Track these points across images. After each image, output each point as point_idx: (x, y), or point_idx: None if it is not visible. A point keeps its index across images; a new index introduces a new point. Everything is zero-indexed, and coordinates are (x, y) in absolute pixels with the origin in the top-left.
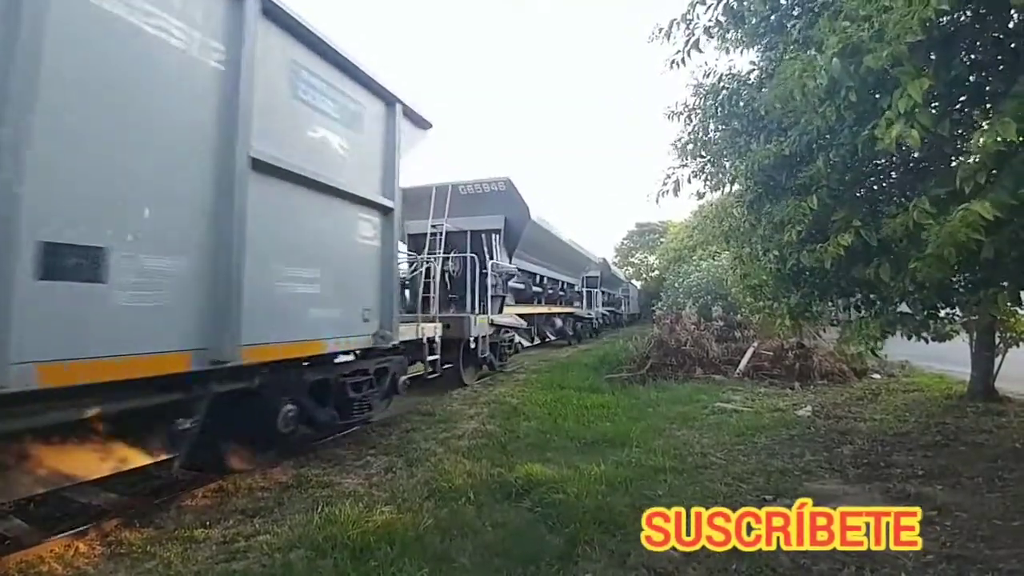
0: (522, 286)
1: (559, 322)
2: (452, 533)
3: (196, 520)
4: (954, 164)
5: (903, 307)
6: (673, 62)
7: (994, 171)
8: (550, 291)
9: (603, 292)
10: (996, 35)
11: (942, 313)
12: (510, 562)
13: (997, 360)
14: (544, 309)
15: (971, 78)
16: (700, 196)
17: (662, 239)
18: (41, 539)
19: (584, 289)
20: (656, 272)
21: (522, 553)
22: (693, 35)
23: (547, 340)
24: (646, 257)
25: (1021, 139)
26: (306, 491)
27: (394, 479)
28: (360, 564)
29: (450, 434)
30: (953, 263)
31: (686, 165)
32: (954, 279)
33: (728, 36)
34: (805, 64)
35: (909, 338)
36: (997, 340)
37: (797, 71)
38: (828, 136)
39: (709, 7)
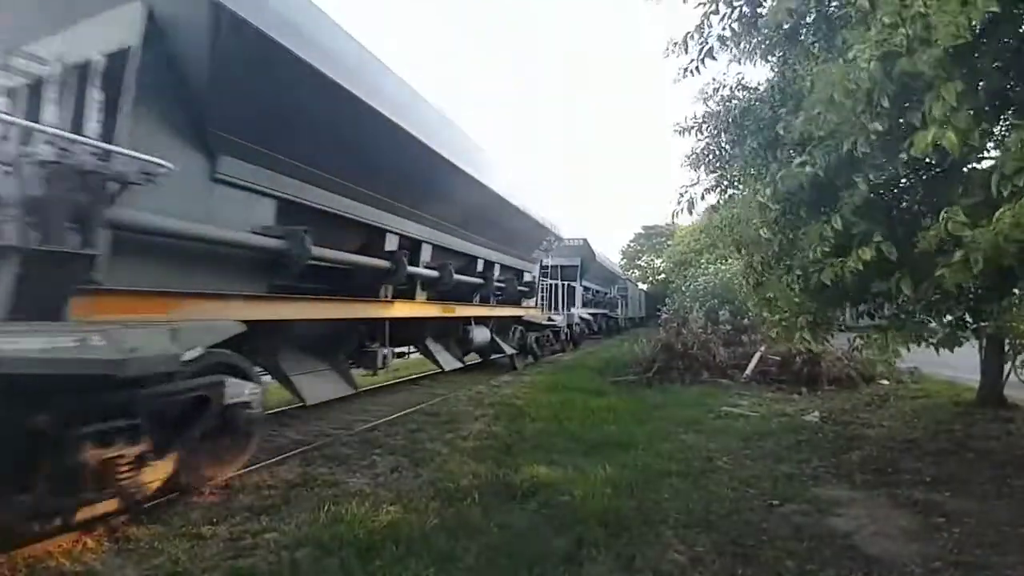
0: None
1: (481, 334)
2: (458, 533)
3: (203, 517)
4: (983, 170)
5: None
6: (687, 70)
7: None
8: (431, 274)
9: (587, 289)
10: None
11: (971, 324)
12: (515, 563)
13: (1006, 367)
14: (429, 309)
15: (1006, 88)
16: (715, 210)
17: (669, 242)
18: (50, 534)
19: (549, 282)
20: (663, 275)
21: (527, 554)
22: (707, 44)
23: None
24: (653, 260)
25: None
26: (312, 490)
27: (400, 479)
28: (366, 563)
29: (456, 435)
30: (978, 271)
31: (696, 183)
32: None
33: (742, 46)
34: (846, 69)
35: (919, 344)
36: (1007, 347)
37: (839, 75)
38: (865, 153)
39: (723, 16)
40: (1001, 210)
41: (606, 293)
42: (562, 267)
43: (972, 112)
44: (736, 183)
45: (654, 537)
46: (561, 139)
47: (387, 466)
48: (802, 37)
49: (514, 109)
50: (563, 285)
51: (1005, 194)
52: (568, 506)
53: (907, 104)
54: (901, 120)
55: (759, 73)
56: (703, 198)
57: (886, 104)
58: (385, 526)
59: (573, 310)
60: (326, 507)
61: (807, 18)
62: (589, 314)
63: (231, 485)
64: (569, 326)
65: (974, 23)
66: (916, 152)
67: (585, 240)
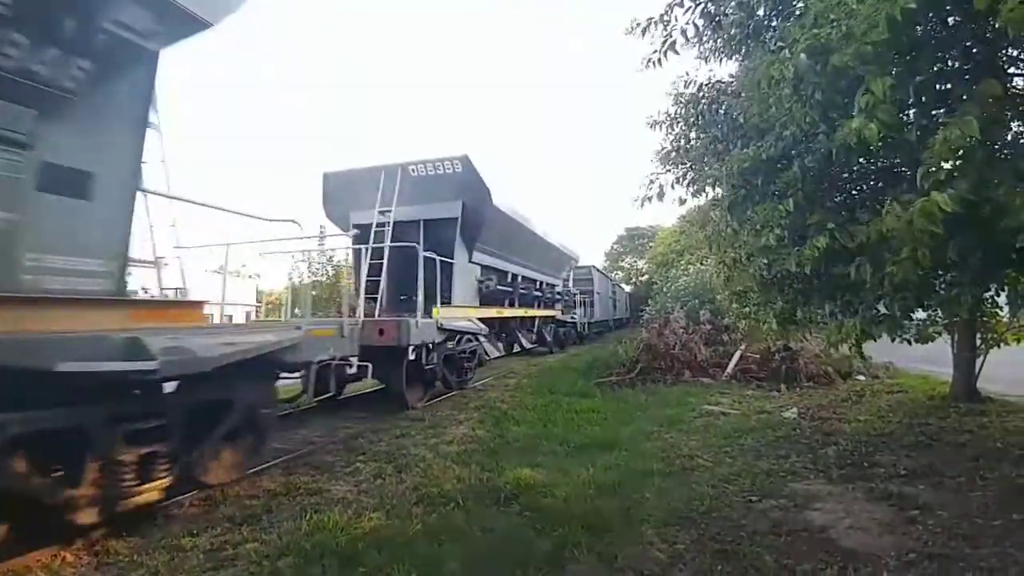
0: None
1: None
2: (441, 538)
3: (183, 529)
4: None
5: (882, 308)
6: (650, 61)
7: (955, 172)
8: None
9: (491, 270)
10: (965, 44)
11: (921, 315)
12: (498, 566)
13: (979, 361)
14: None
15: (937, 86)
16: (682, 202)
17: (651, 244)
18: (28, 549)
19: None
20: (646, 276)
21: (510, 557)
22: (671, 36)
23: None
24: (636, 262)
25: (981, 138)
26: (294, 498)
27: (383, 485)
28: (349, 571)
29: (440, 439)
30: (927, 265)
31: (669, 171)
32: (933, 281)
33: (707, 44)
34: (772, 60)
35: (893, 340)
36: (979, 341)
37: (765, 63)
38: (803, 142)
39: (687, 9)
40: (917, 202)
41: (552, 286)
42: (424, 223)
43: (899, 105)
44: (699, 166)
45: (636, 536)
46: (544, 140)
47: (370, 472)
48: (763, 37)
49: (495, 109)
50: (422, 260)
51: (927, 186)
52: (551, 508)
53: (846, 95)
54: (832, 113)
55: (727, 71)
56: (672, 188)
57: (819, 96)
58: (368, 533)
59: (427, 317)
60: (308, 515)
61: (771, 21)
62: (481, 320)
63: (212, 496)
64: (412, 349)
65: (894, 18)
66: (838, 140)
67: (465, 159)
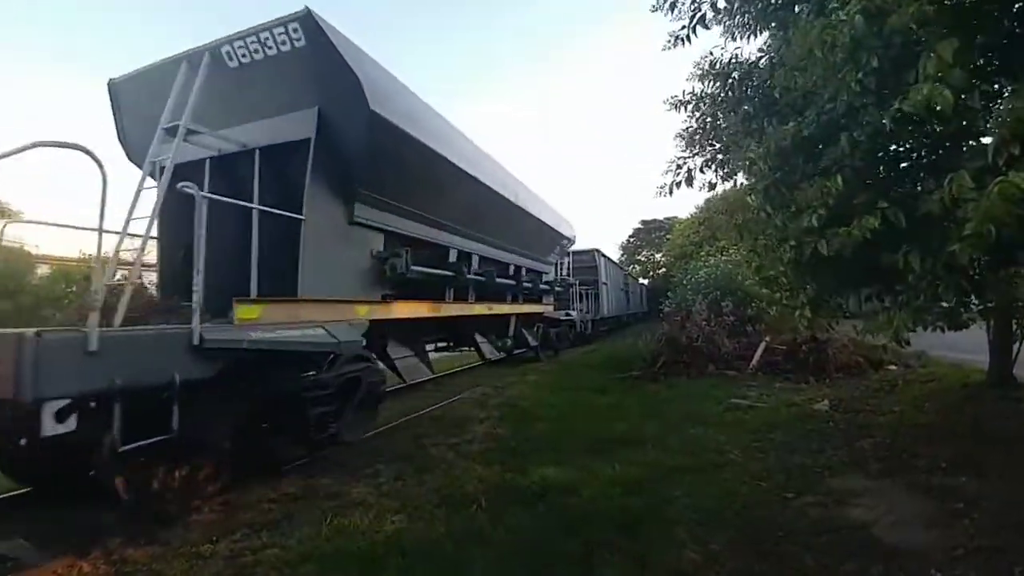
0: None
1: None
2: (465, 541)
3: (202, 536)
4: (985, 140)
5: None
6: (677, 38)
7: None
8: None
9: (409, 243)
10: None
11: (974, 300)
12: (525, 569)
13: (1015, 347)
14: None
15: (997, 50)
16: (712, 187)
17: (668, 236)
18: (44, 560)
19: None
20: (663, 269)
21: (537, 559)
22: (700, 10)
23: None
24: (652, 254)
25: None
26: (314, 502)
27: (404, 487)
28: None
29: (460, 439)
30: (993, 242)
31: (697, 155)
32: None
33: (735, 19)
34: (826, 24)
35: (926, 328)
36: (1014, 327)
37: (817, 29)
38: (848, 116)
39: None
40: (993, 183)
41: (540, 273)
42: (261, 152)
43: (970, 69)
44: (731, 147)
45: (667, 537)
46: (558, 132)
47: (391, 474)
48: (797, 9)
49: (511, 101)
50: (256, 218)
51: (1000, 163)
52: (578, 507)
53: (900, 62)
54: (884, 82)
55: (754, 50)
56: (702, 171)
57: (875, 64)
58: (390, 536)
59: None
60: (329, 519)
61: None
62: (399, 320)
63: (230, 501)
64: (60, 410)
65: None
66: (908, 107)
67: (307, 20)
